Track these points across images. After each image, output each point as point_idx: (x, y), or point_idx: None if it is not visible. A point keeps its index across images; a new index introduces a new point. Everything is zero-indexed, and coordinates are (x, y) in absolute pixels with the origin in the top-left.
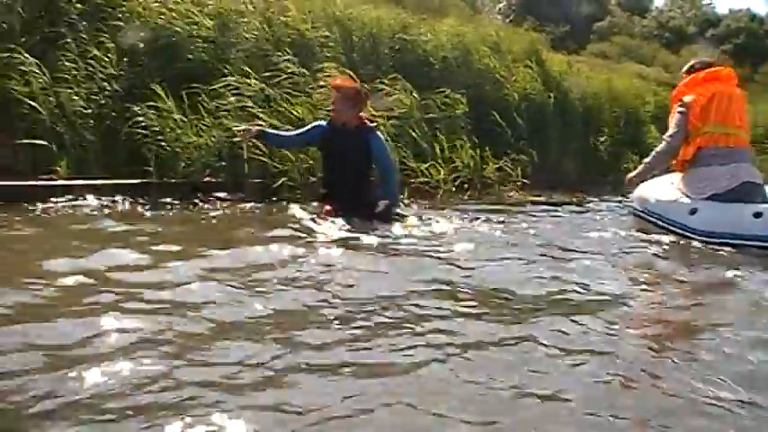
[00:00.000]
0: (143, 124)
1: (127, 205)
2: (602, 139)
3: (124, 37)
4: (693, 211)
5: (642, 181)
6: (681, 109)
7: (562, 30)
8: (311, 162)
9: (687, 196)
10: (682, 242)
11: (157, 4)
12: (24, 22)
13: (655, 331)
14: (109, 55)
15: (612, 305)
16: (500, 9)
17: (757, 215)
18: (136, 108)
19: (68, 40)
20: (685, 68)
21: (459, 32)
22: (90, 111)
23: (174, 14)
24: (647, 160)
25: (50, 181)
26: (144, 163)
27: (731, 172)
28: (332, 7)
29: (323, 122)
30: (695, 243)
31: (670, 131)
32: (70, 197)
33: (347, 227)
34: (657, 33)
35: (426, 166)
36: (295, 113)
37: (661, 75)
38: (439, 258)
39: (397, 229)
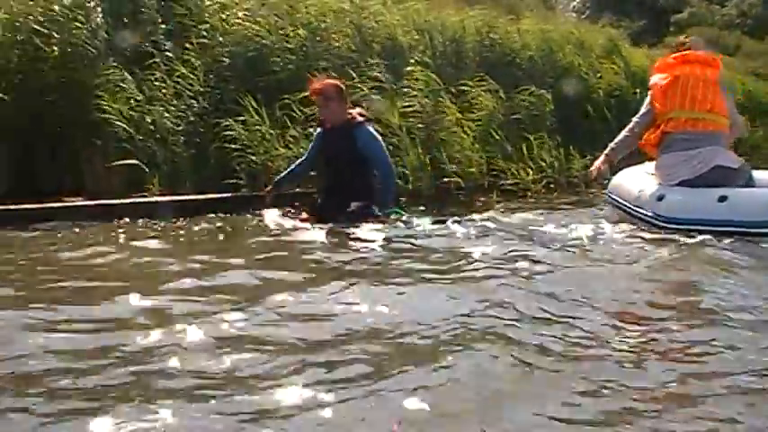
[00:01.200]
0: (232, 138)
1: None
2: None
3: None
4: (660, 198)
5: (610, 168)
6: (649, 91)
7: (639, 24)
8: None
9: (659, 184)
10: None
11: (240, 19)
12: (111, 44)
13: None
14: (195, 72)
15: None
16: (574, 6)
17: (722, 199)
18: (224, 123)
19: (156, 60)
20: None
21: (543, 30)
22: (180, 128)
23: (259, 27)
24: (611, 145)
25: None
26: (234, 177)
27: (701, 157)
28: (416, 15)
29: (319, 129)
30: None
31: (637, 114)
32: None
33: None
34: (739, 22)
35: (515, 167)
36: (384, 120)
37: (745, 64)
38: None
39: (367, 233)
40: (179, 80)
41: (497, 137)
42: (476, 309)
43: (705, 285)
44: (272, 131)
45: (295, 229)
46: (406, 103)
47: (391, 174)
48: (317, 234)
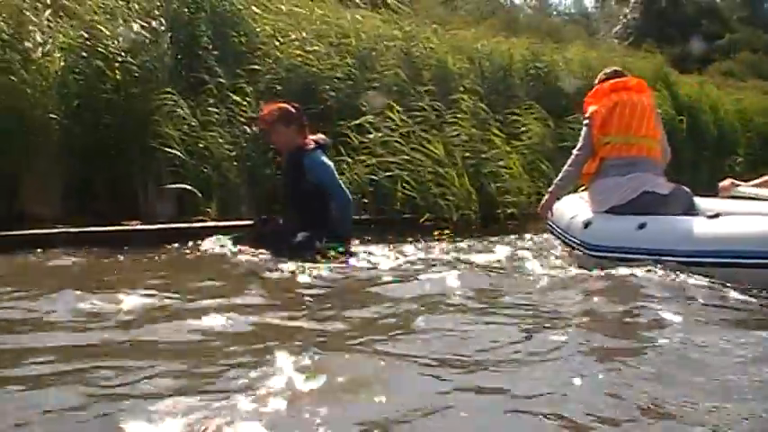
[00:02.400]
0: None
1: None
2: (737, 160)
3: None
4: (587, 225)
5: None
6: (586, 122)
7: (681, 50)
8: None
9: (590, 211)
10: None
11: (293, 47)
12: (168, 69)
13: None
14: (247, 99)
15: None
16: (616, 32)
17: (641, 226)
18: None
19: (209, 86)
20: (597, 79)
21: (585, 59)
22: (234, 153)
23: (311, 56)
24: (555, 181)
25: (200, 223)
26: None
27: (631, 182)
28: (464, 42)
29: None
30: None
31: (577, 147)
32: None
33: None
34: None
35: None
36: (432, 150)
37: None
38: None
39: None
40: (231, 106)
41: (545, 165)
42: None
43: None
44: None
45: (227, 256)
46: (454, 132)
47: (345, 202)
48: (241, 263)
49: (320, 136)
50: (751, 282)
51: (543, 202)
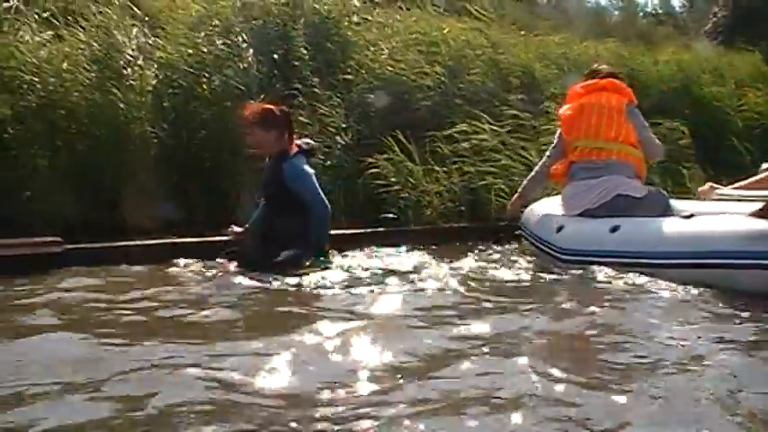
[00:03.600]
0: (378, 174)
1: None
2: None
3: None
4: (559, 229)
5: (525, 205)
6: (559, 123)
7: None
8: None
9: (561, 215)
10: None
11: (384, 56)
12: (259, 82)
13: None
14: (338, 109)
15: None
16: (705, 31)
17: (614, 229)
18: (370, 159)
19: (300, 99)
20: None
21: (676, 60)
22: (327, 163)
23: (402, 65)
24: (524, 182)
25: None
26: (379, 211)
27: (602, 185)
28: (550, 48)
29: None
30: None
31: (549, 149)
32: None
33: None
34: None
35: None
36: (525, 155)
37: None
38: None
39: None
40: (323, 117)
41: None
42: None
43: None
44: (417, 167)
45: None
46: (548, 139)
47: (321, 213)
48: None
49: (305, 140)
50: (728, 283)
51: (511, 201)
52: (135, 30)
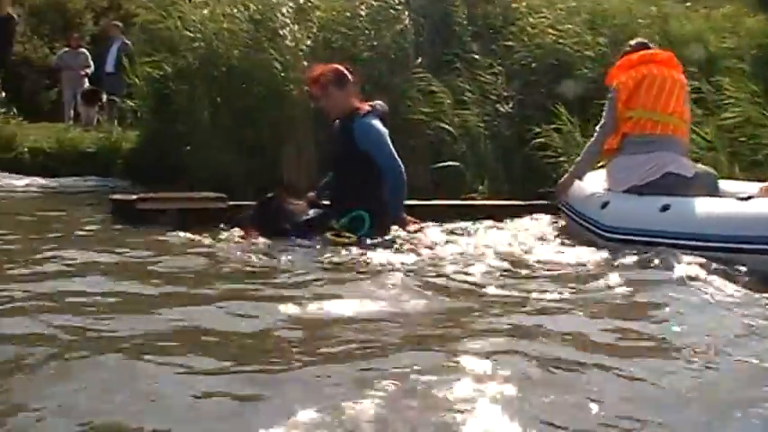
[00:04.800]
0: (541, 144)
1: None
2: None
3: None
4: (604, 205)
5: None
6: (610, 95)
7: None
8: None
9: (608, 189)
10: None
11: (544, 24)
12: (417, 46)
13: None
14: (499, 76)
15: None
16: None
17: (665, 208)
18: (537, 130)
19: (458, 65)
20: (623, 51)
21: None
22: (487, 132)
23: (563, 34)
24: (577, 160)
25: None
26: (540, 182)
27: (654, 161)
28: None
29: None
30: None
31: (600, 123)
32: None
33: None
34: None
35: None
36: (698, 130)
37: None
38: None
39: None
40: (483, 84)
41: None
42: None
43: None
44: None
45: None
46: (731, 114)
47: (396, 174)
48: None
49: (378, 102)
50: None
51: (561, 181)
52: None
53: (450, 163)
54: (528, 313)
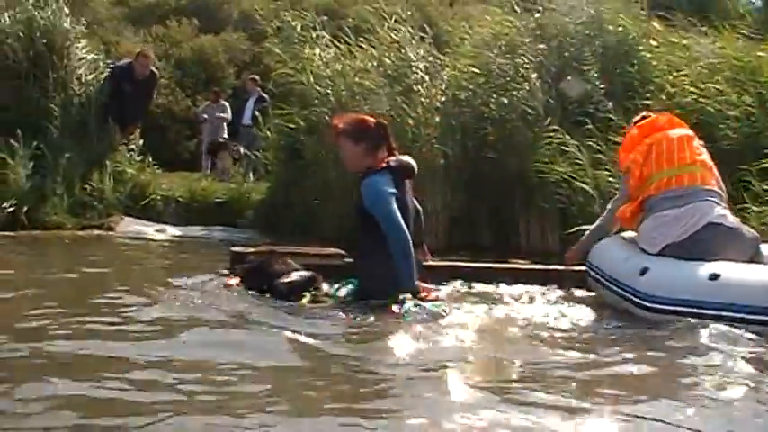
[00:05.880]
0: None
1: None
2: None
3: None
4: (644, 271)
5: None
6: (624, 176)
7: None
8: None
9: (643, 251)
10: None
11: (684, 82)
12: (547, 106)
13: None
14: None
15: None
16: None
17: (713, 277)
18: None
19: (590, 127)
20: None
21: None
22: None
23: (704, 92)
24: (590, 228)
25: None
26: None
27: (689, 213)
28: None
29: None
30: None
31: (614, 198)
32: None
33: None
34: None
35: None
36: None
37: None
38: None
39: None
40: (616, 145)
41: None
42: None
43: None
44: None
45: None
46: None
47: (396, 240)
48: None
49: (403, 158)
50: None
51: (573, 248)
52: (422, 49)
53: (587, 227)
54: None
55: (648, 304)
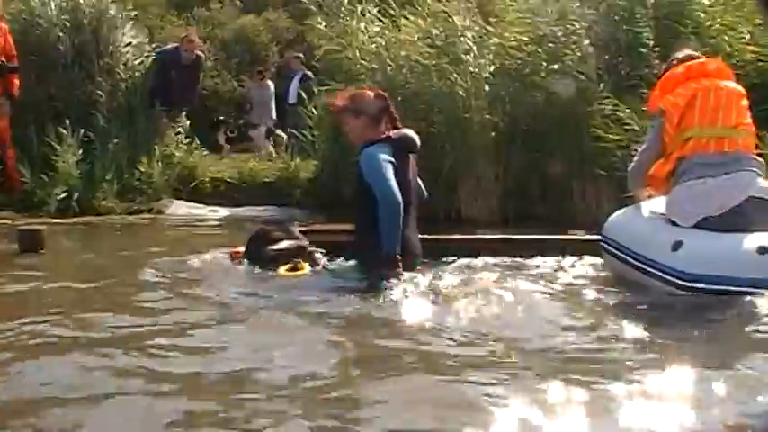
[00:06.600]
0: None
1: None
2: None
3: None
4: (677, 246)
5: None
6: (657, 118)
7: None
8: None
9: (673, 223)
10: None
11: (741, 41)
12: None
13: None
14: None
15: None
16: None
17: (763, 251)
18: None
19: (644, 91)
20: (666, 64)
21: None
22: None
23: (763, 51)
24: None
25: None
26: None
27: (728, 185)
28: None
29: None
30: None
31: (643, 147)
32: None
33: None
34: None
35: None
36: None
37: None
38: None
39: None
40: None
41: None
42: None
43: None
44: None
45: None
46: None
47: (386, 205)
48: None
49: (404, 131)
50: None
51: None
52: (468, 19)
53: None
54: None
55: (684, 282)
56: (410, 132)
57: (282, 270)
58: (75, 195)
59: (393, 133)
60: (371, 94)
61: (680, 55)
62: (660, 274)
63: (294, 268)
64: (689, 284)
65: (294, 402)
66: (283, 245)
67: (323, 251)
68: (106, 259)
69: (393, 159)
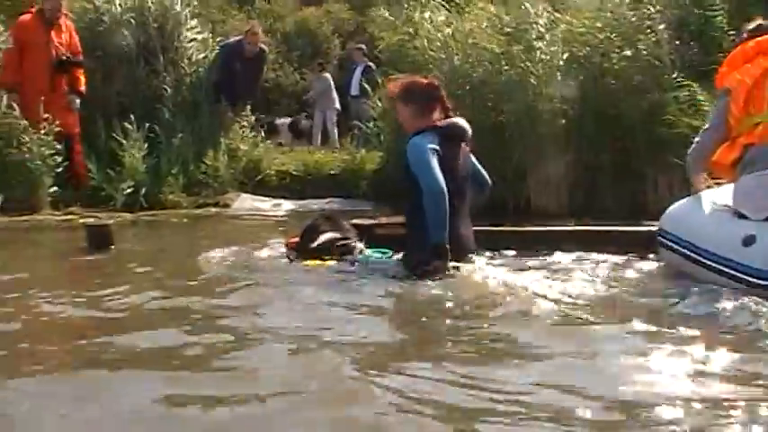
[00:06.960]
0: None
1: None
2: None
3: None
4: (749, 241)
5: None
6: (722, 96)
7: None
8: None
9: (741, 216)
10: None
11: None
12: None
13: None
14: None
15: None
16: None
17: None
18: None
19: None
20: (738, 38)
21: None
22: None
23: None
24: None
25: None
26: None
27: None
28: None
29: None
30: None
31: (705, 127)
32: None
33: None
34: None
35: None
36: None
37: None
38: None
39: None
40: None
41: None
42: None
43: None
44: None
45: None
46: None
47: (429, 195)
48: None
49: (455, 119)
50: None
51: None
52: (540, 5)
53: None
54: None
55: (760, 281)
56: (460, 121)
57: (310, 261)
58: (143, 190)
59: (442, 122)
60: (423, 81)
61: (750, 26)
62: (729, 270)
63: (321, 259)
64: (765, 282)
65: None
66: (322, 238)
67: (364, 245)
68: (173, 253)
69: (438, 148)
